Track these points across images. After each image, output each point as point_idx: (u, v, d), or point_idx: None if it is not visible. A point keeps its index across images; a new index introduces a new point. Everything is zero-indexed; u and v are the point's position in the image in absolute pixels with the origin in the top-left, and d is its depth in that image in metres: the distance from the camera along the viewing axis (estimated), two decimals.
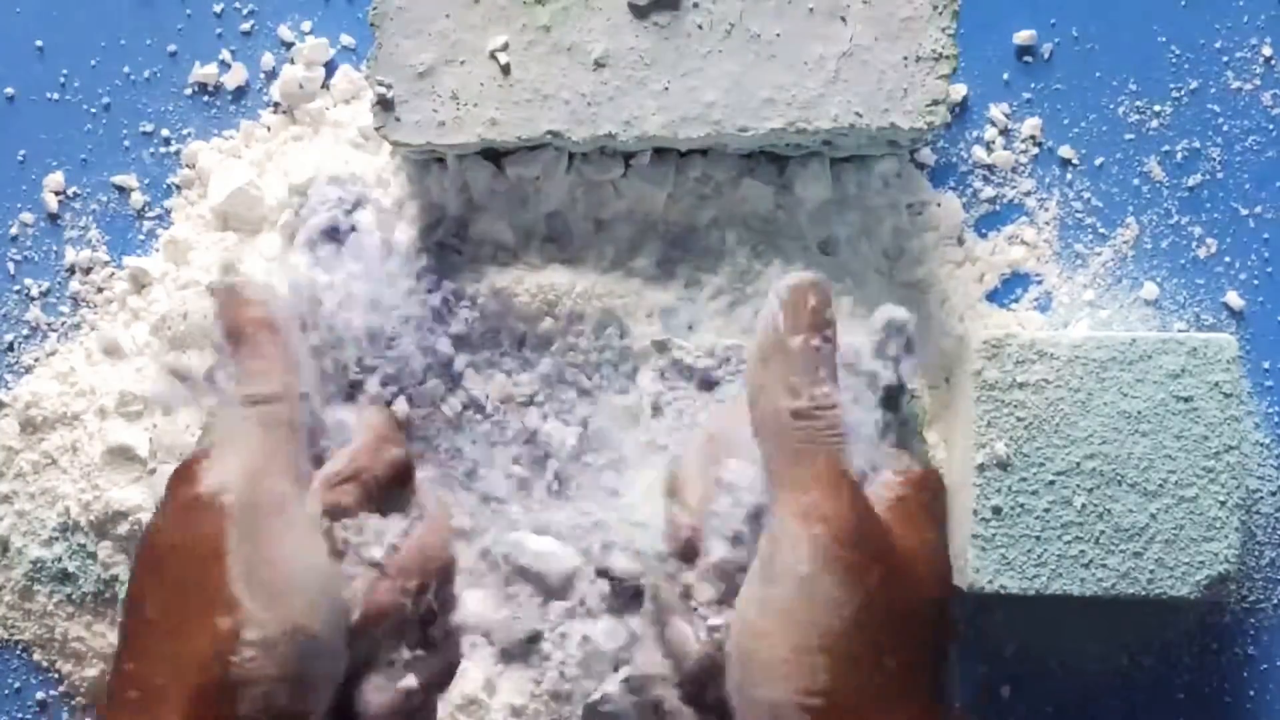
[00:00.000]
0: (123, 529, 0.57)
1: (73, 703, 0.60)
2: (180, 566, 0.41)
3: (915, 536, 0.41)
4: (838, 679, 0.38)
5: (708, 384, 0.56)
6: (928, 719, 0.40)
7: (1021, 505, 0.54)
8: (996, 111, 0.61)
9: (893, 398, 0.49)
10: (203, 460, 0.43)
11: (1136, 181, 0.61)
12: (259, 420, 0.44)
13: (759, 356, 0.43)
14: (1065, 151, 0.61)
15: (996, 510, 0.54)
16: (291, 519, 0.42)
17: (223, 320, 0.45)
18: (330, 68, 0.62)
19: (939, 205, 0.60)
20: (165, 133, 0.62)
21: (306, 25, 0.62)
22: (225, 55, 0.62)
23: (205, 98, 0.62)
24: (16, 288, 0.61)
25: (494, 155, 0.57)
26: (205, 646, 0.39)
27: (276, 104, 0.61)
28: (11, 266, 0.62)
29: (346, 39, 0.62)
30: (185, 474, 0.43)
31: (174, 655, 0.40)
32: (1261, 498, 0.60)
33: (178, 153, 0.62)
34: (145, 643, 0.41)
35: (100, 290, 0.61)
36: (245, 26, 0.62)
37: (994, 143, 0.62)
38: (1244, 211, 0.61)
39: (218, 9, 0.62)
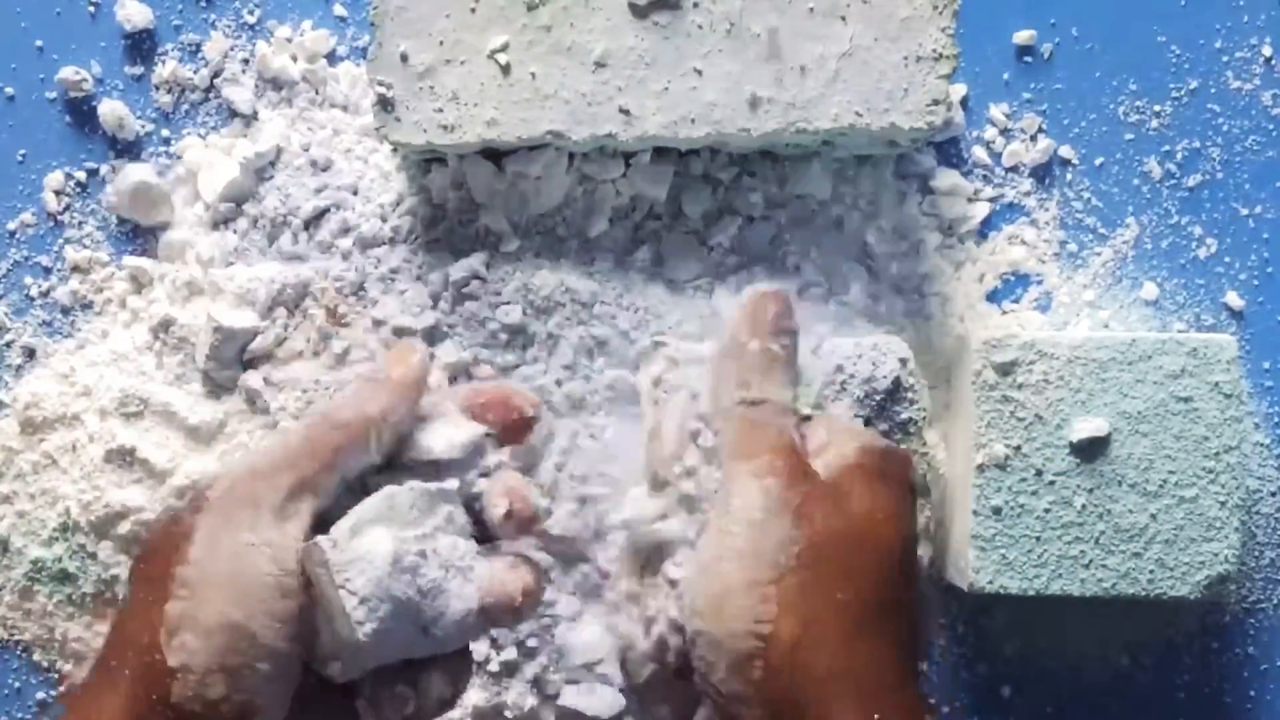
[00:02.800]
0: (123, 529, 0.57)
1: None
2: (152, 553, 0.43)
3: (871, 497, 0.44)
4: (786, 609, 0.41)
5: None
6: (889, 666, 0.42)
7: (1021, 505, 0.54)
8: (996, 111, 0.61)
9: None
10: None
11: (1136, 181, 0.61)
12: (307, 428, 0.44)
13: (719, 356, 0.47)
14: (1065, 151, 0.61)
15: (996, 510, 0.54)
16: (260, 520, 0.42)
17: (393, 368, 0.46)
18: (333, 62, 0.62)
19: (946, 196, 0.61)
20: (165, 133, 0.62)
21: (307, 24, 0.62)
22: (223, 53, 0.62)
23: (202, 95, 0.62)
24: (16, 288, 0.61)
25: (494, 154, 0.57)
26: (150, 629, 0.40)
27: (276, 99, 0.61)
28: (11, 266, 0.62)
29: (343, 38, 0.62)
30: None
31: (125, 639, 0.41)
32: (1261, 498, 0.60)
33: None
34: (113, 627, 0.43)
35: (100, 290, 0.61)
36: (250, 20, 0.62)
37: (994, 143, 0.62)
38: (1244, 211, 0.61)
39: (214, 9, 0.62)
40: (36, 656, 0.60)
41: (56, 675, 0.60)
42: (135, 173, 0.60)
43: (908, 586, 0.44)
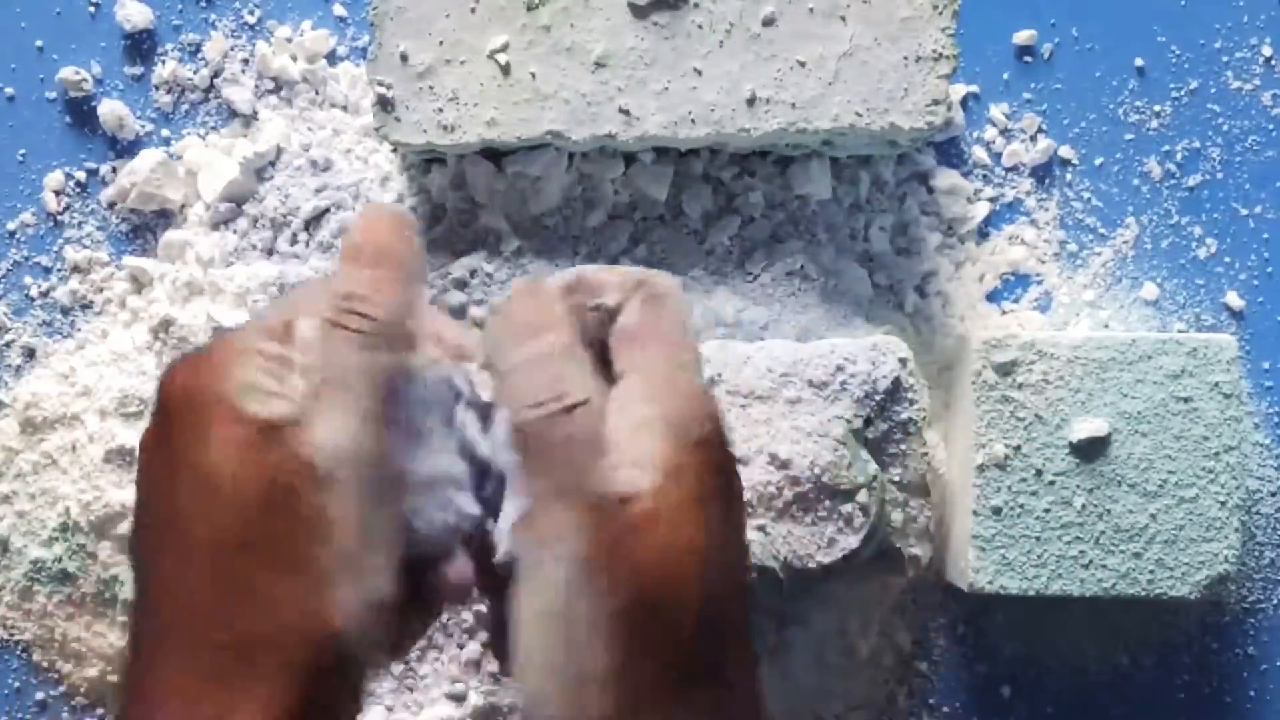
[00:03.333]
0: (123, 529, 0.57)
1: (73, 703, 0.60)
2: (276, 530, 0.36)
3: (668, 532, 0.36)
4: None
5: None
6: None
7: (1021, 505, 0.54)
8: (997, 111, 0.61)
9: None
10: (298, 417, 0.36)
11: (1136, 181, 0.61)
12: (362, 364, 0.37)
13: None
14: (1065, 151, 0.61)
15: (996, 510, 0.54)
16: (383, 496, 0.37)
17: (353, 238, 0.39)
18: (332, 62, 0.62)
19: (946, 196, 0.61)
20: (165, 132, 0.62)
21: (306, 25, 0.62)
22: (223, 53, 0.62)
23: (202, 95, 0.62)
24: (16, 288, 0.61)
25: (494, 154, 0.57)
26: (308, 614, 0.36)
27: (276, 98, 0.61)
28: (11, 266, 0.61)
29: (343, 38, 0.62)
30: (272, 434, 0.36)
31: (275, 622, 0.36)
32: (1261, 498, 0.60)
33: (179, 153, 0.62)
34: (233, 596, 0.36)
35: (100, 290, 0.61)
36: (250, 20, 0.62)
37: (994, 143, 0.62)
38: (1244, 211, 0.61)
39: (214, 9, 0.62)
40: (36, 656, 0.60)
41: (56, 675, 0.60)
42: (151, 157, 0.60)
43: (725, 637, 0.38)
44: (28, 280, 0.61)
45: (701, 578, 0.37)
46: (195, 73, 0.62)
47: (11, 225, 0.61)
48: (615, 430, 0.37)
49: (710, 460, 0.38)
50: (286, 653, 0.35)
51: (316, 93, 0.61)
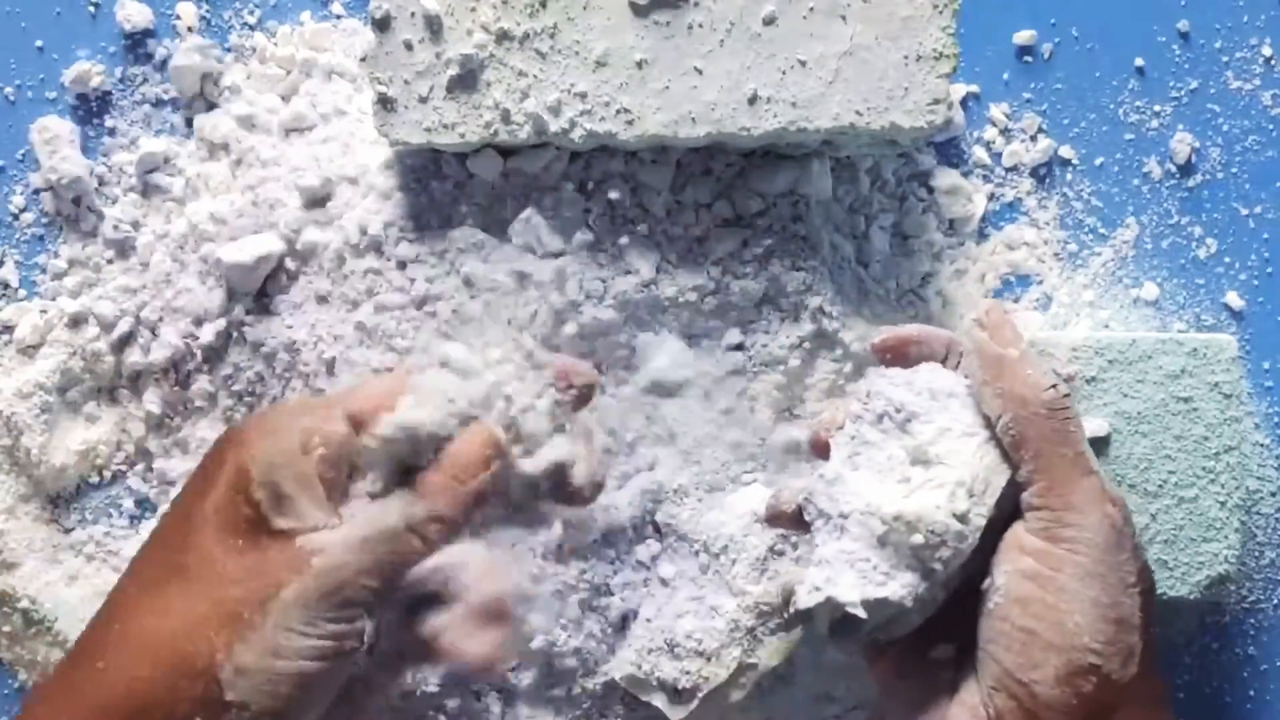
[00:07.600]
0: None
1: None
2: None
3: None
4: (1129, 629, 0.44)
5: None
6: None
7: None
8: (997, 111, 0.62)
9: None
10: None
11: (1136, 181, 0.61)
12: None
13: (986, 370, 0.46)
14: (1065, 151, 0.61)
15: None
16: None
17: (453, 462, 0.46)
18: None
19: (946, 196, 0.61)
20: (165, 131, 0.62)
21: (306, 16, 0.62)
22: (222, 51, 0.62)
23: (202, 94, 0.62)
24: (16, 287, 0.61)
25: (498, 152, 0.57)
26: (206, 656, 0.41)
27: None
28: (12, 265, 0.61)
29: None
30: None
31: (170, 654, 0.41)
32: (1261, 498, 0.60)
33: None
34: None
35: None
36: (250, 20, 0.62)
37: (994, 143, 0.62)
38: (1244, 211, 0.61)
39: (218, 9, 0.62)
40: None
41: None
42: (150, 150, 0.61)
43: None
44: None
45: None
46: (195, 71, 0.61)
47: (12, 225, 0.61)
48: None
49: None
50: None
51: (316, 90, 0.61)
